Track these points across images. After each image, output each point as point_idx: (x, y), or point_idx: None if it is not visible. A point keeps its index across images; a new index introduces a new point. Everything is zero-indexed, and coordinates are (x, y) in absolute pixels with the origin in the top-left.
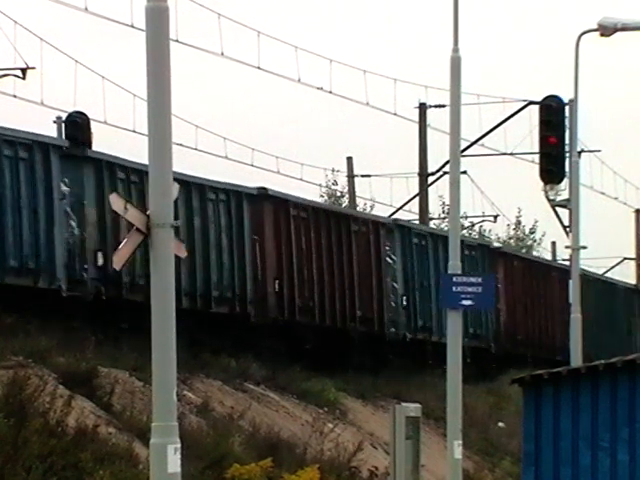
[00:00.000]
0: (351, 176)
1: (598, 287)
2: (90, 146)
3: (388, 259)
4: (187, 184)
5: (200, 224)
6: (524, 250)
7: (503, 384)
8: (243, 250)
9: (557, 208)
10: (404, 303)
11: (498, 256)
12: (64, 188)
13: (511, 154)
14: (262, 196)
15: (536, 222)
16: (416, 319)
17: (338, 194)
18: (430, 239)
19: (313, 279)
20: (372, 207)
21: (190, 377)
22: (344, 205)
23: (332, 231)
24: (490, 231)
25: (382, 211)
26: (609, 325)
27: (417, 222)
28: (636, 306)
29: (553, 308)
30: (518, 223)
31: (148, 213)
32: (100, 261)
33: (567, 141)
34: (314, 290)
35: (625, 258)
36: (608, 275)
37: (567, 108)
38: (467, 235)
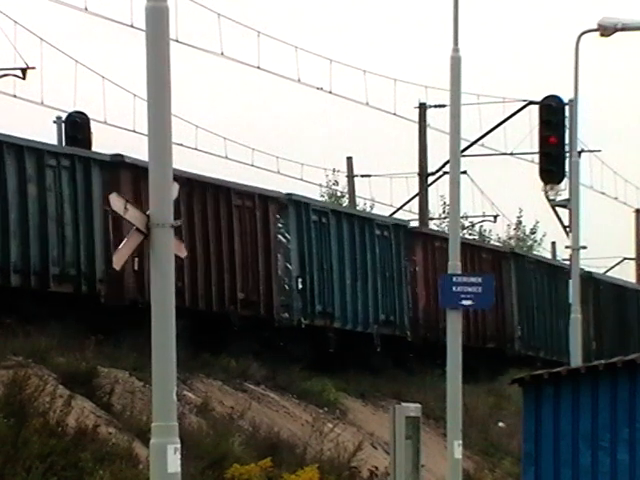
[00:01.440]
0: (351, 176)
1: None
2: (90, 146)
3: (281, 237)
4: (20, 148)
5: (36, 193)
6: (524, 250)
7: (503, 384)
8: (92, 223)
9: (557, 208)
10: (299, 286)
11: (416, 237)
12: None
13: (511, 154)
14: (117, 163)
15: (537, 222)
16: (314, 304)
17: (339, 194)
18: (333, 216)
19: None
20: (372, 207)
21: (190, 377)
22: (344, 205)
23: (208, 204)
24: (490, 231)
25: (382, 211)
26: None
27: (417, 222)
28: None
29: None
30: (519, 223)
31: (148, 213)
32: None
33: (567, 141)
34: (184, 269)
35: (625, 258)
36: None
37: (567, 108)
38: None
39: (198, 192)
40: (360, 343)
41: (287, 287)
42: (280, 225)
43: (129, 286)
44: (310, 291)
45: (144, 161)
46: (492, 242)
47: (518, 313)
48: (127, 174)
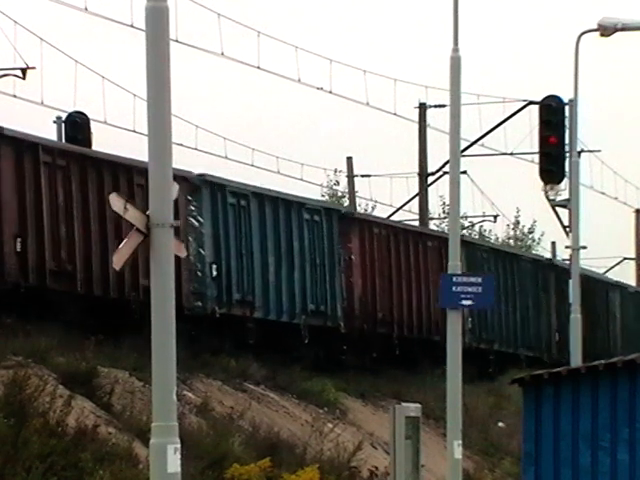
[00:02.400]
0: (351, 176)
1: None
2: (90, 146)
3: (192, 221)
4: None
5: None
6: (523, 249)
7: (503, 384)
8: None
9: (557, 208)
10: (214, 273)
11: (351, 222)
12: None
13: (511, 154)
14: None
15: (535, 222)
16: (231, 292)
17: (339, 194)
18: (254, 199)
19: (74, 238)
20: (373, 207)
21: (190, 377)
22: (345, 205)
23: (105, 183)
24: (490, 231)
25: (382, 211)
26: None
27: (418, 222)
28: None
29: (429, 282)
30: (517, 223)
31: (148, 213)
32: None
33: (567, 141)
34: (75, 251)
35: (625, 258)
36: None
37: (567, 108)
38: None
39: (94, 171)
40: (286, 334)
41: (200, 274)
42: (192, 207)
43: (10, 268)
44: (227, 278)
45: (25, 133)
46: (492, 241)
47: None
48: (7, 148)
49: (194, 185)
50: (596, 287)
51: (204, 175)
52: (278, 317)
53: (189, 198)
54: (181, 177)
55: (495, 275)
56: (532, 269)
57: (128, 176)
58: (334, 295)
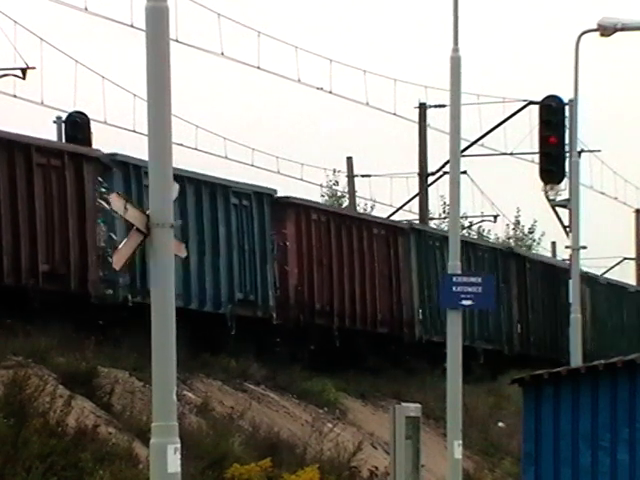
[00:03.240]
0: (351, 176)
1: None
2: (90, 146)
3: (103, 203)
4: None
5: None
6: (523, 249)
7: (503, 384)
8: None
9: (557, 208)
10: None
11: (287, 207)
12: None
13: (511, 154)
14: None
15: (535, 222)
16: (145, 279)
17: (339, 194)
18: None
19: None
20: (372, 207)
21: (190, 377)
22: (344, 205)
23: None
24: (490, 231)
25: (382, 211)
26: None
27: (419, 220)
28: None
29: (375, 272)
30: (517, 223)
31: (148, 213)
32: None
33: (567, 141)
34: None
35: (625, 258)
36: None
37: (567, 108)
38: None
39: None
40: (211, 325)
41: (111, 259)
42: (103, 189)
43: None
44: (141, 265)
45: None
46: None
47: (419, 294)
48: None
49: (105, 165)
50: (565, 277)
51: (116, 155)
52: (200, 306)
53: (99, 179)
54: (90, 157)
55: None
56: (491, 258)
57: (26, 157)
58: (265, 284)
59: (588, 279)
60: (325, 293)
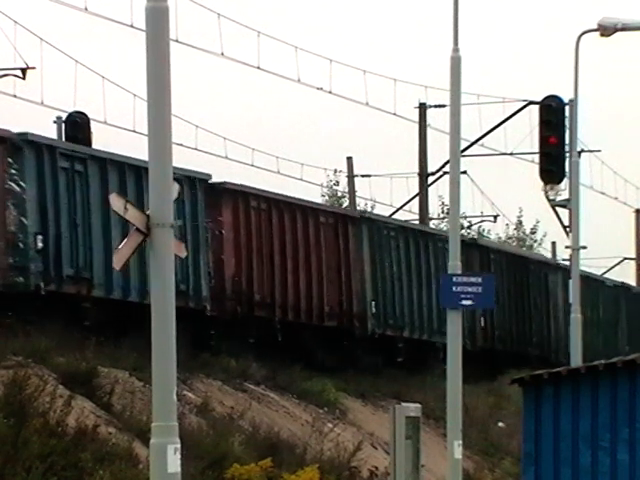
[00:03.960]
0: (351, 176)
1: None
2: (90, 146)
3: (13, 185)
4: None
5: None
6: (524, 250)
7: (503, 384)
8: None
9: (557, 208)
10: (39, 244)
11: (223, 193)
12: None
13: (511, 154)
14: None
15: (537, 222)
16: (61, 266)
17: (339, 194)
18: (94, 164)
19: None
20: (373, 207)
21: (190, 377)
22: (344, 206)
23: None
24: (490, 231)
25: (382, 211)
26: None
27: (418, 222)
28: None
29: (322, 262)
30: (519, 223)
31: (148, 213)
32: None
33: (567, 141)
34: None
35: (625, 258)
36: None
37: (567, 108)
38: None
39: None
40: (136, 316)
41: (22, 245)
42: (13, 171)
43: None
44: (55, 251)
45: None
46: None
47: (372, 287)
48: None
49: (15, 146)
50: (535, 269)
51: (27, 134)
52: (124, 296)
53: (9, 160)
54: None
55: (405, 254)
56: (444, 248)
57: None
58: (198, 273)
59: (563, 271)
60: (266, 284)
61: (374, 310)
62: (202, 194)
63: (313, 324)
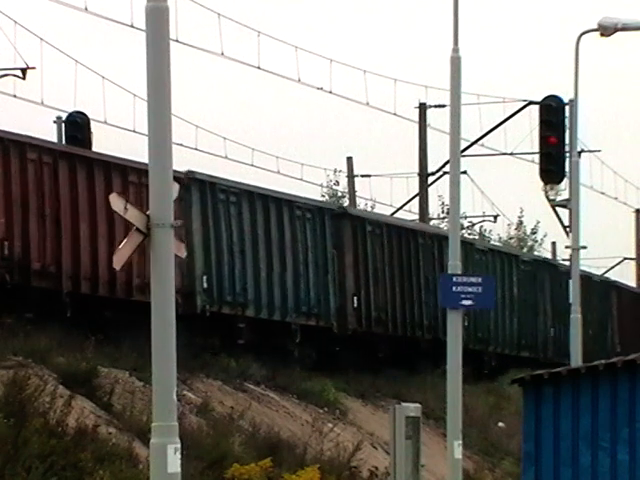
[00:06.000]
0: (351, 176)
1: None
2: (90, 146)
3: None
4: None
5: None
6: (525, 250)
7: (503, 384)
8: None
9: (557, 208)
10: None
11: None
12: None
13: (511, 154)
14: None
15: (538, 222)
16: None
17: (339, 194)
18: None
19: None
20: (372, 207)
21: (190, 377)
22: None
23: None
24: (490, 231)
25: (382, 211)
26: None
27: (418, 221)
28: None
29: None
30: (520, 223)
31: (148, 213)
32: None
33: (567, 141)
34: None
35: (625, 258)
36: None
37: (567, 108)
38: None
39: None
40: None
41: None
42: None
43: None
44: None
45: None
46: (493, 242)
47: (204, 259)
48: None
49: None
50: (427, 243)
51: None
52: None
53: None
54: None
55: (250, 223)
56: (316, 219)
57: None
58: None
59: (466, 245)
60: (49, 249)
61: (205, 285)
62: (63, 165)
63: (118, 298)
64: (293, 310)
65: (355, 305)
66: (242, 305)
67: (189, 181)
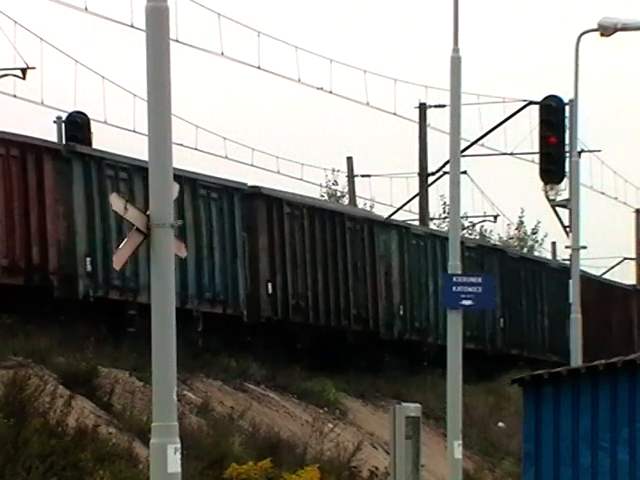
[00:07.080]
0: (351, 176)
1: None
2: (90, 146)
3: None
4: None
5: None
6: (525, 250)
7: (503, 384)
8: None
9: (557, 208)
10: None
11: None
12: None
13: (511, 154)
14: None
15: (539, 222)
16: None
17: (338, 194)
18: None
19: None
20: (372, 207)
21: (190, 377)
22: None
23: None
24: (491, 231)
25: (382, 211)
26: None
27: (417, 222)
28: None
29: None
30: (520, 223)
31: (148, 213)
32: None
33: (567, 141)
34: None
35: (625, 258)
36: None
37: (567, 108)
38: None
39: None
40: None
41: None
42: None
43: None
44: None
45: None
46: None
47: (87, 239)
48: None
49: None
50: (354, 226)
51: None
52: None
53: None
54: None
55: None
56: (224, 200)
57: None
58: None
59: (400, 229)
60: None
61: (89, 268)
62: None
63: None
64: (195, 297)
65: (270, 292)
66: (133, 290)
67: (70, 154)
